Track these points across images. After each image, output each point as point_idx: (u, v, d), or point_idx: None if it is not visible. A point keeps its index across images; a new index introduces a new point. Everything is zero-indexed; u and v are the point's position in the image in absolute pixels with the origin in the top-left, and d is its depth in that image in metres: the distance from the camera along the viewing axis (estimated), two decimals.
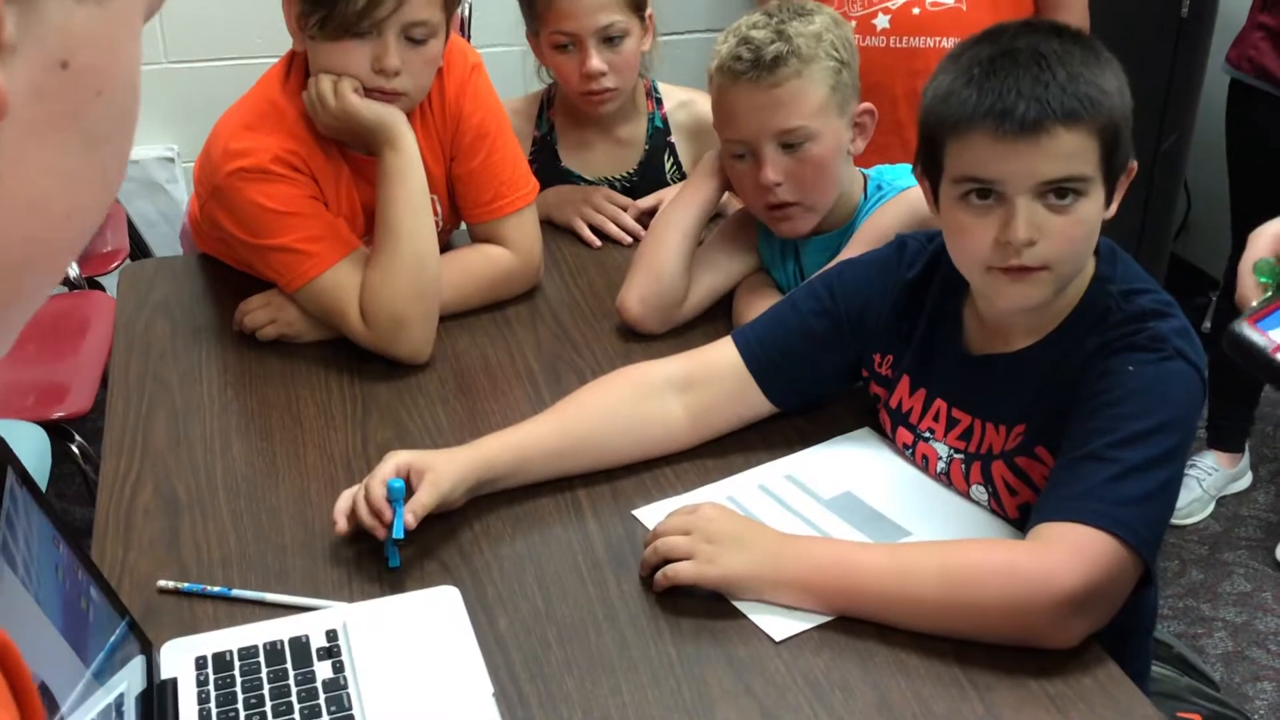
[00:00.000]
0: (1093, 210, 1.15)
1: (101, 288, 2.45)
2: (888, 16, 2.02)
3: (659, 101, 1.99)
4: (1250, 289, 1.00)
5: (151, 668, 1.05)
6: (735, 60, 1.47)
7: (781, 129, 1.47)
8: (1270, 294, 0.98)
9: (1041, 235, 1.12)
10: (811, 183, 1.50)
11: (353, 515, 1.19)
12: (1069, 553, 1.05)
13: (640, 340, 1.59)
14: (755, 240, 1.67)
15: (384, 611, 1.14)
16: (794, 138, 1.47)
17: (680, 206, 1.63)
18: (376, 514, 1.18)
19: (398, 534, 1.16)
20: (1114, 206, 1.19)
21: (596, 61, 1.81)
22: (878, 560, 1.13)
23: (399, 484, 1.18)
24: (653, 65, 1.99)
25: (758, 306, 1.49)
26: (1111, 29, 2.30)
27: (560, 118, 1.99)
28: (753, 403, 1.36)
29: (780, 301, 1.43)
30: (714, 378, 1.35)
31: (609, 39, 1.82)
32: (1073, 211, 1.13)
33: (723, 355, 1.36)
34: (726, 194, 1.66)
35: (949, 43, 1.97)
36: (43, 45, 0.40)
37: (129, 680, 0.98)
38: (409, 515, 1.17)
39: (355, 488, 1.21)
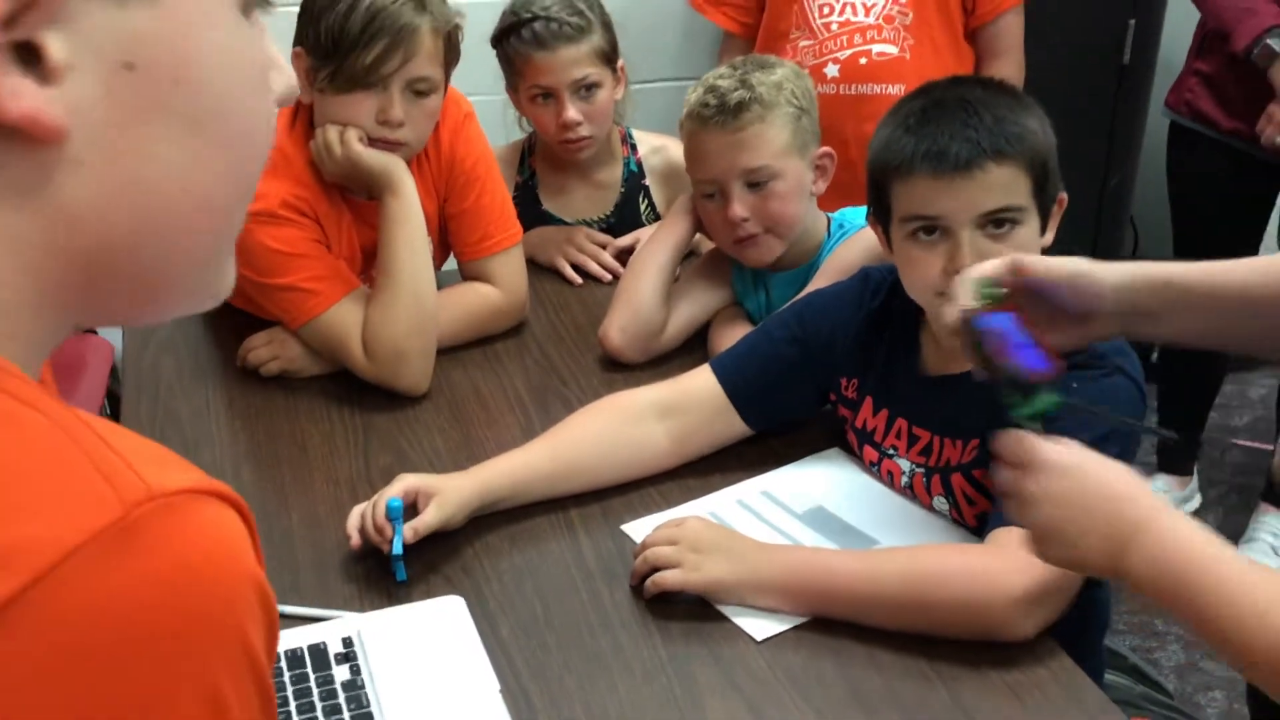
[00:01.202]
0: (1029, 237, 1.27)
1: (94, 331, 2.52)
2: (837, 66, 2.18)
3: (633, 147, 2.11)
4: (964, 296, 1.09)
5: None
6: (703, 107, 1.59)
7: (747, 168, 1.59)
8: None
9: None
10: (776, 215, 1.62)
11: (363, 530, 1.29)
12: (1021, 554, 1.16)
13: (622, 370, 1.69)
14: (729, 275, 1.78)
15: (395, 620, 1.23)
16: (759, 176, 1.60)
17: (656, 245, 1.74)
18: (379, 530, 1.28)
19: (397, 550, 1.26)
20: (1049, 234, 1.31)
21: (572, 112, 1.93)
22: (849, 565, 1.23)
23: (397, 503, 1.28)
24: (626, 113, 2.11)
25: (731, 336, 1.60)
26: (1056, 75, 2.46)
27: (541, 164, 2.10)
28: (730, 426, 1.46)
29: (753, 331, 1.54)
30: (694, 404, 1.45)
31: (583, 90, 1.94)
32: (1011, 239, 1.25)
33: (702, 382, 1.46)
34: (698, 234, 1.77)
35: (894, 89, 2.13)
36: (101, 55, 0.47)
37: None
38: (409, 532, 1.27)
39: (365, 504, 1.30)
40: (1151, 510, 0.93)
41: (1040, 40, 2.29)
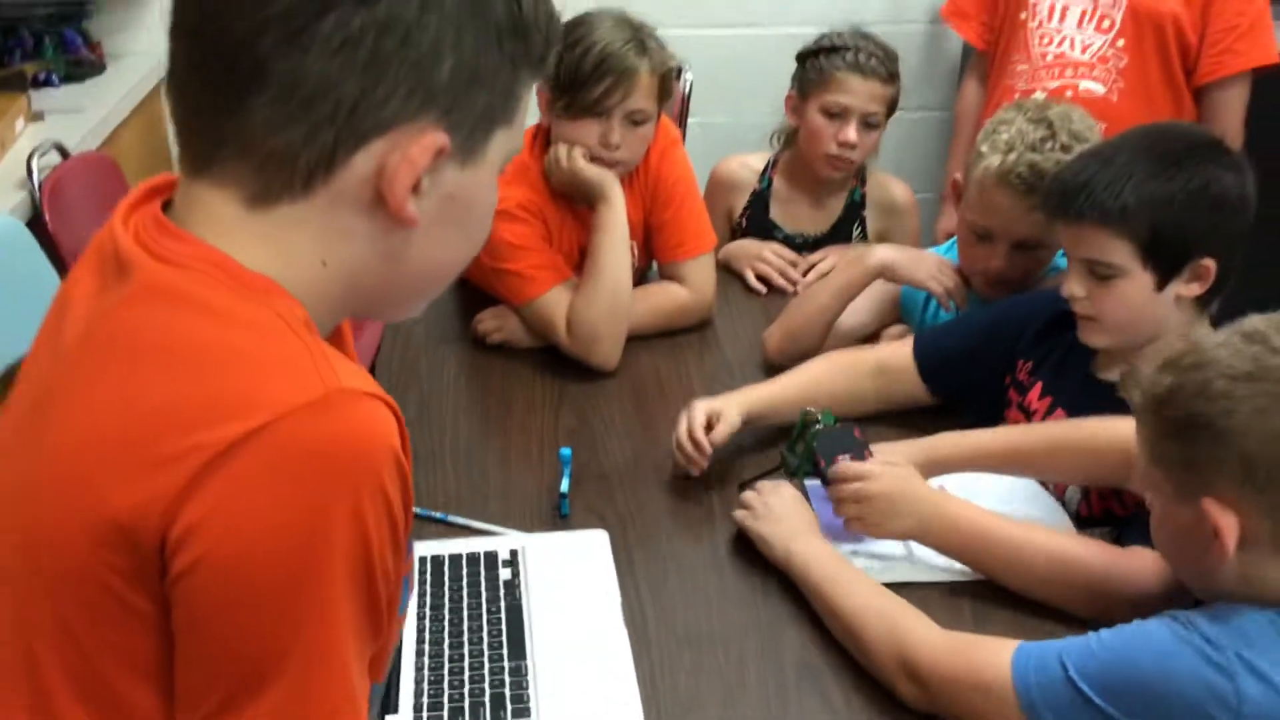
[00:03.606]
0: (1130, 289, 1.48)
1: None
2: (1044, 96, 2.31)
3: (863, 180, 2.38)
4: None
5: None
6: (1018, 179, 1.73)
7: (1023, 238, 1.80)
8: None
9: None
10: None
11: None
12: (1148, 559, 1.34)
13: (781, 370, 1.96)
14: (897, 299, 2.03)
15: (552, 542, 1.55)
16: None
17: (831, 284, 1.98)
18: (698, 446, 1.61)
19: (564, 489, 1.59)
20: (1181, 288, 1.49)
21: (853, 135, 2.23)
22: (1010, 533, 1.43)
23: (567, 453, 1.61)
24: (872, 157, 2.38)
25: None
26: (1273, 127, 2.54)
27: (779, 177, 2.40)
28: (918, 390, 1.75)
29: (962, 314, 1.83)
30: (894, 369, 1.76)
31: (867, 124, 2.24)
32: (1112, 286, 1.49)
33: (906, 351, 1.76)
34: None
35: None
36: (441, 189, 0.79)
37: None
38: (712, 440, 1.62)
39: (682, 434, 1.64)
40: (940, 494, 1.45)
41: (1262, 94, 2.33)
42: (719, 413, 1.64)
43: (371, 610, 0.75)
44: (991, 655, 1.20)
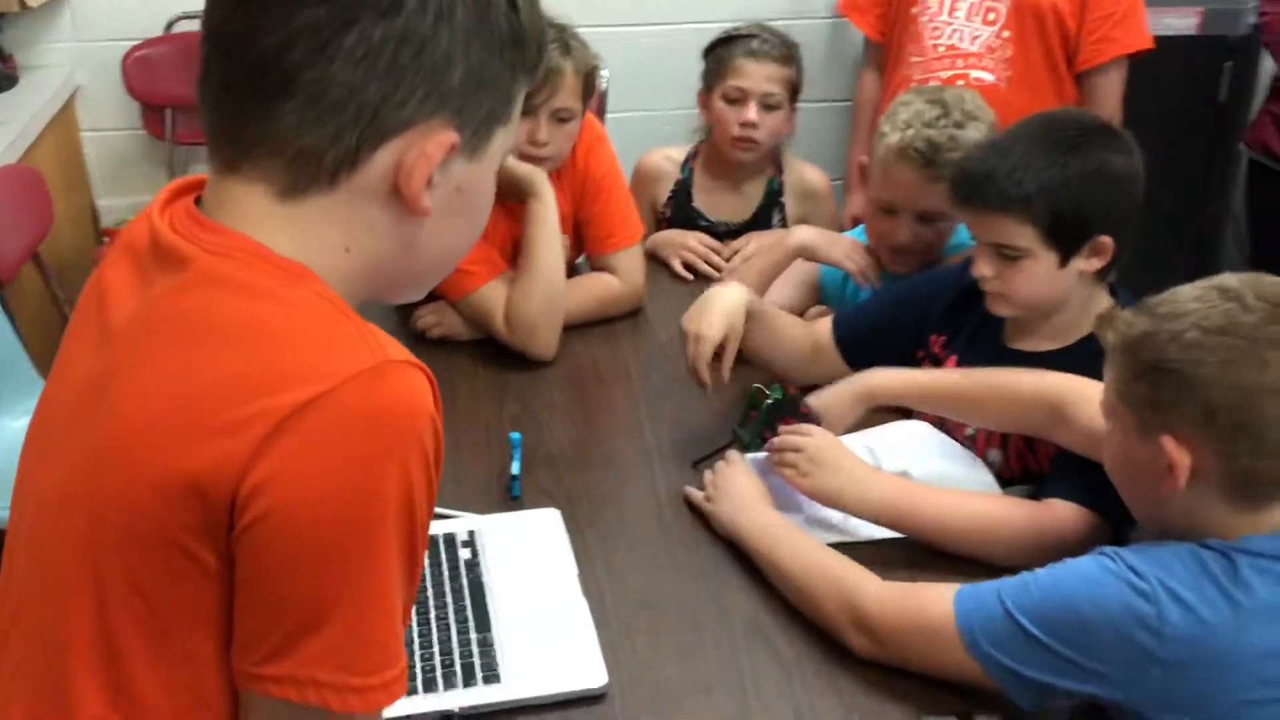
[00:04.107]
0: (1035, 268, 1.60)
1: None
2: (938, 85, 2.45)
3: (780, 169, 2.49)
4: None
5: None
6: (917, 153, 1.86)
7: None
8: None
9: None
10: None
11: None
12: (1069, 515, 1.47)
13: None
14: (816, 282, 2.13)
15: (506, 522, 1.62)
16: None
17: (753, 266, 2.09)
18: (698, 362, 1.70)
19: (515, 471, 1.66)
20: (1081, 264, 1.60)
21: (753, 114, 2.34)
22: (937, 500, 1.54)
23: (517, 437, 1.69)
24: (787, 145, 2.50)
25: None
26: (1156, 111, 2.70)
27: (699, 167, 2.51)
28: (839, 366, 1.83)
29: (876, 291, 1.95)
30: (821, 344, 1.86)
31: (767, 106, 2.35)
32: (1018, 267, 1.60)
33: (826, 328, 1.86)
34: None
35: None
36: (450, 182, 0.87)
37: None
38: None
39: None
40: (869, 467, 1.58)
41: (1142, 77, 2.51)
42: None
43: (411, 557, 0.83)
44: (934, 600, 1.30)
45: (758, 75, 2.36)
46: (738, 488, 1.59)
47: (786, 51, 2.39)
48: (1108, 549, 1.23)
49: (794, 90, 2.41)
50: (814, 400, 1.69)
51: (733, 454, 1.67)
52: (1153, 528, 1.31)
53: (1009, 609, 1.23)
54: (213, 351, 0.80)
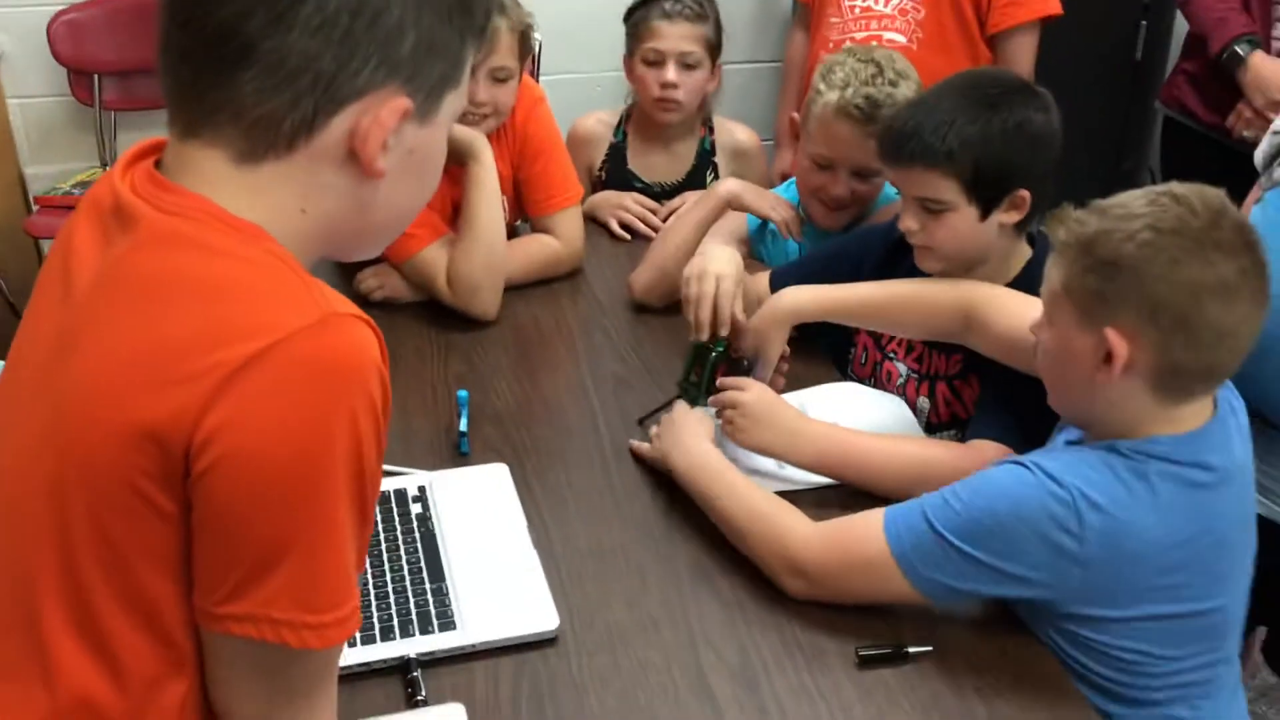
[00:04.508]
0: (958, 220, 1.66)
1: None
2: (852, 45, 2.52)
3: (711, 129, 2.54)
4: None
5: None
6: (857, 109, 1.92)
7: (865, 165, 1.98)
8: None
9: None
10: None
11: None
12: (988, 455, 1.54)
13: (648, 310, 2.12)
14: (745, 234, 2.19)
15: (456, 477, 1.67)
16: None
17: (688, 218, 2.13)
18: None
19: (463, 429, 1.71)
20: (1001, 217, 1.66)
21: (673, 74, 2.39)
22: (870, 445, 1.61)
23: (464, 395, 1.73)
24: (714, 108, 2.54)
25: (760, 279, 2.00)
26: (1073, 70, 2.79)
27: (633, 130, 2.56)
28: None
29: (813, 250, 2.01)
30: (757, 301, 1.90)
31: (686, 65, 2.40)
32: (942, 220, 1.66)
33: (764, 285, 1.92)
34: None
35: None
36: (403, 145, 0.91)
37: None
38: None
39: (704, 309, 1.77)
40: (804, 417, 1.64)
41: (1059, 37, 2.59)
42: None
43: (361, 502, 0.87)
44: (864, 532, 1.38)
45: (673, 35, 2.40)
46: (684, 431, 1.64)
47: (700, 9, 2.43)
48: (1023, 458, 1.33)
49: (713, 48, 2.45)
50: (745, 326, 1.76)
51: (681, 405, 1.73)
52: (1074, 418, 1.42)
53: (939, 530, 1.31)
54: (169, 308, 0.84)
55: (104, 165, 3.49)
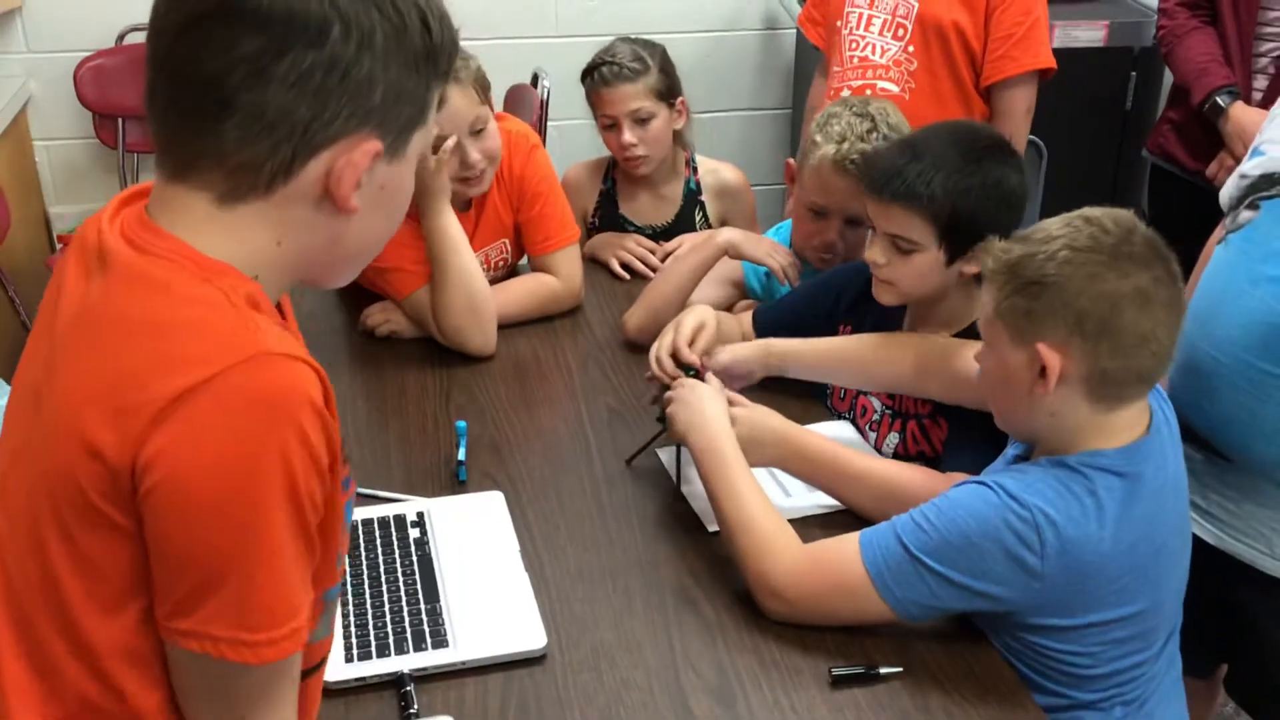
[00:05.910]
0: (925, 262, 1.73)
1: None
2: (849, 93, 2.60)
3: (695, 169, 2.62)
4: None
5: None
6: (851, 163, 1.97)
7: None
8: None
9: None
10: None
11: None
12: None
13: (642, 349, 2.18)
14: (740, 278, 2.27)
15: (453, 504, 1.74)
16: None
17: (684, 263, 2.20)
18: (665, 369, 1.81)
19: (461, 457, 1.79)
20: (965, 266, 1.73)
21: (628, 136, 2.47)
22: (847, 462, 1.69)
23: (463, 426, 1.81)
24: (691, 140, 2.63)
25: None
26: (1067, 119, 2.87)
27: (620, 176, 2.64)
28: None
29: (795, 288, 2.09)
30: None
31: (639, 120, 2.46)
32: (910, 259, 1.74)
33: (747, 326, 2.02)
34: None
35: None
36: (374, 182, 0.98)
37: None
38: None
39: (662, 349, 1.84)
40: (795, 427, 1.71)
41: (1053, 88, 2.64)
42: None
43: (303, 530, 0.94)
44: (843, 560, 1.45)
45: (616, 99, 2.46)
46: (700, 403, 1.69)
47: (638, 65, 2.47)
48: (985, 479, 1.42)
49: (664, 93, 2.49)
50: (724, 353, 1.84)
51: (692, 380, 1.77)
52: (1020, 435, 1.52)
53: (914, 553, 1.40)
54: (126, 341, 0.92)
55: None
